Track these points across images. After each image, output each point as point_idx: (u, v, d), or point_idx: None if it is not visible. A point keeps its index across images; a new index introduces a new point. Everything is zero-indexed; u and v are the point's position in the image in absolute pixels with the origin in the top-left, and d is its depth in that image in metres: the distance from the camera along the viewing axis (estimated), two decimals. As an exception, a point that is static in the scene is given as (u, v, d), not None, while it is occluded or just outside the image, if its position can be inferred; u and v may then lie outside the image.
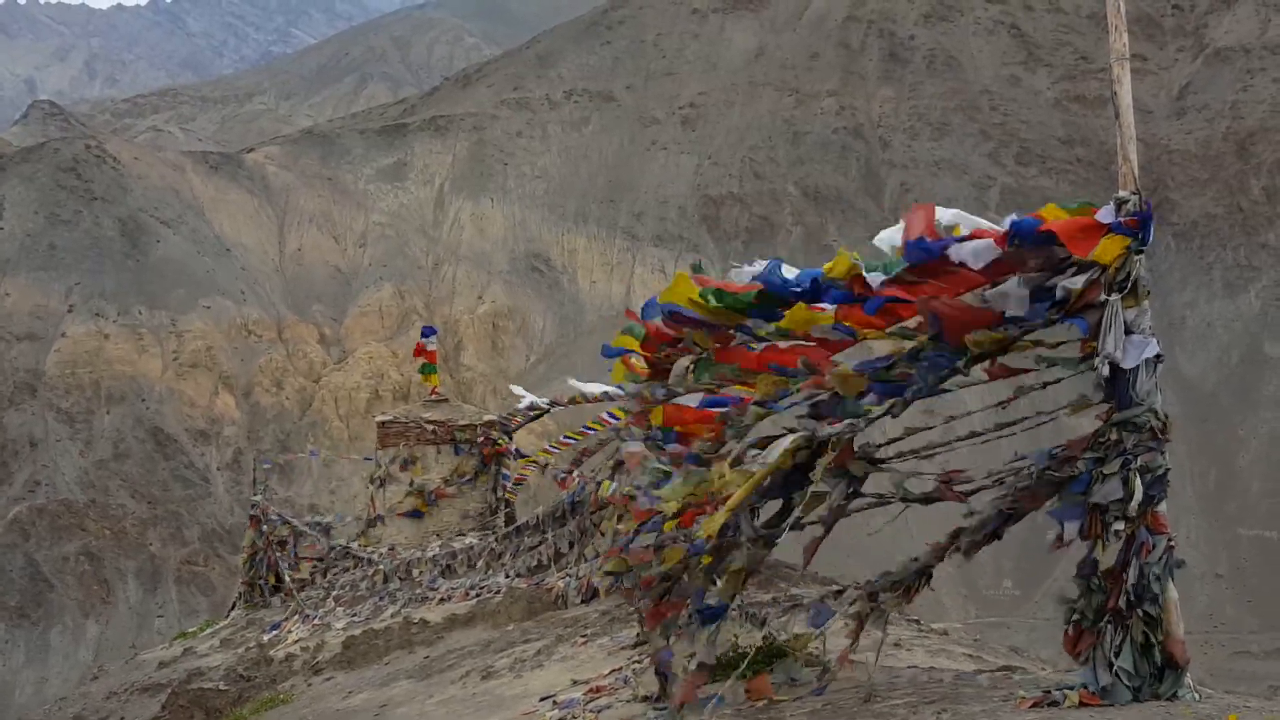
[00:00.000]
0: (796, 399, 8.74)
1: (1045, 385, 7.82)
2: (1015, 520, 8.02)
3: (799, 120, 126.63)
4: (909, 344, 8.10)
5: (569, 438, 27.49)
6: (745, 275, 8.89)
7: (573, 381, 22.56)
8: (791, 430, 8.63)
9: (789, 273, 8.63)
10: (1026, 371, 7.80)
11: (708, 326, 9.34)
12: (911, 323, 8.13)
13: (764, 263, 8.82)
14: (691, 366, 9.97)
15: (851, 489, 8.48)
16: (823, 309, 8.58)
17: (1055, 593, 7.76)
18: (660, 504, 9.51)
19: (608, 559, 10.59)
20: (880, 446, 8.50)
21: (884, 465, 8.40)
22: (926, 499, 8.30)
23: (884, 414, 8.19)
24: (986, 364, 7.84)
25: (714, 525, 8.79)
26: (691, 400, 10.03)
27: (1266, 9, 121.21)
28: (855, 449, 8.45)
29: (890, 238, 8.09)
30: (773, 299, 8.70)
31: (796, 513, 8.63)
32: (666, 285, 9.57)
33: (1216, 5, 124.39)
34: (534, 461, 31.59)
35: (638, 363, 10.29)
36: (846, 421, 8.27)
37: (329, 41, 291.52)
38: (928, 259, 7.60)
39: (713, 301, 9.08)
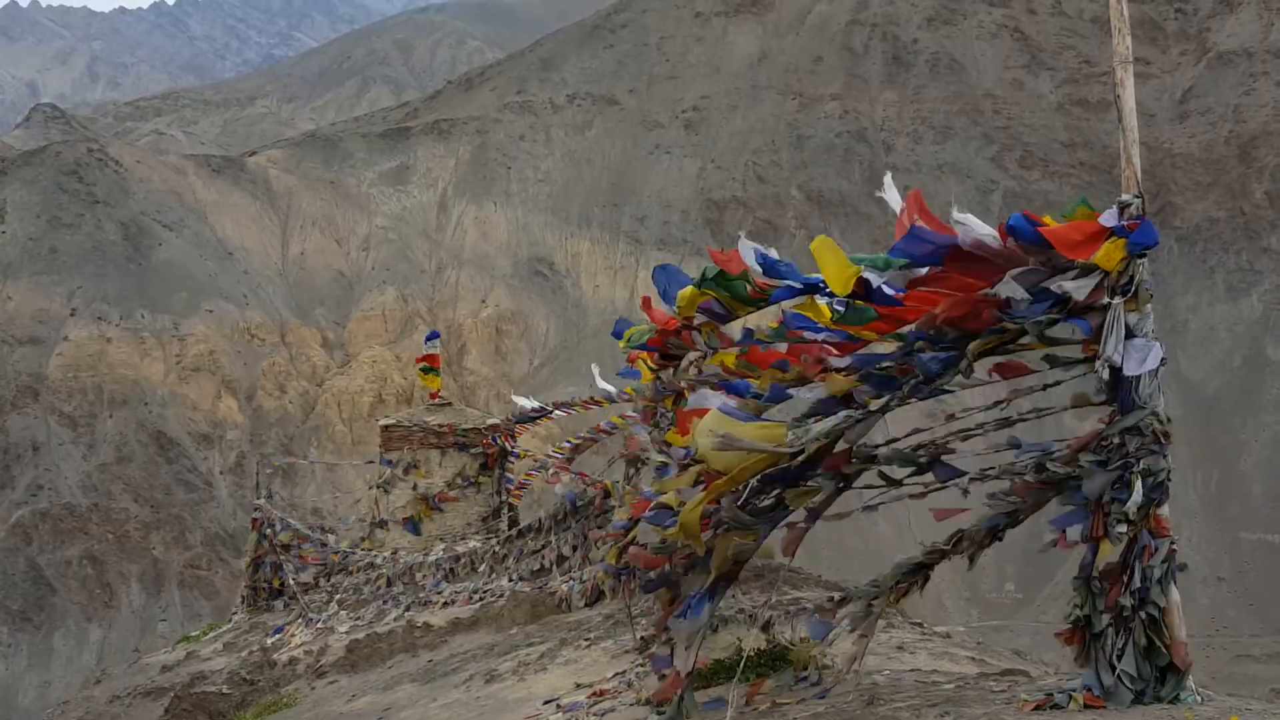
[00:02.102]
0: (798, 392, 8.76)
1: (1046, 387, 7.84)
2: (1015, 523, 8.04)
3: (802, 124, 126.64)
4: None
5: (570, 441, 27.54)
6: (748, 251, 8.93)
7: (598, 378, 22.65)
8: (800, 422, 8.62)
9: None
10: (1030, 372, 7.82)
11: (715, 315, 9.43)
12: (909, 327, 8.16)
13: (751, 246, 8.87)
14: (701, 358, 10.02)
15: (841, 485, 8.50)
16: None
17: (1057, 596, 7.75)
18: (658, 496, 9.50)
19: (609, 551, 10.55)
20: (879, 446, 8.50)
21: (877, 461, 8.41)
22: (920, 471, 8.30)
23: (880, 410, 8.18)
24: (991, 365, 7.87)
25: (693, 515, 8.77)
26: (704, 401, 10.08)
27: (1269, 13, 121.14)
28: (853, 450, 8.45)
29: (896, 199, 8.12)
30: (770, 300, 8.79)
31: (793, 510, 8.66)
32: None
33: (1219, 9, 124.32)
34: (534, 460, 31.62)
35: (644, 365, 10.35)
36: (843, 414, 8.24)
37: (331, 45, 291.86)
38: (932, 253, 7.62)
39: (720, 290, 9.19)
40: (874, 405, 8.20)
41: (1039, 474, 7.62)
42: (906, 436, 8.51)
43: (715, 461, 8.69)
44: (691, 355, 10.47)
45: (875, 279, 7.86)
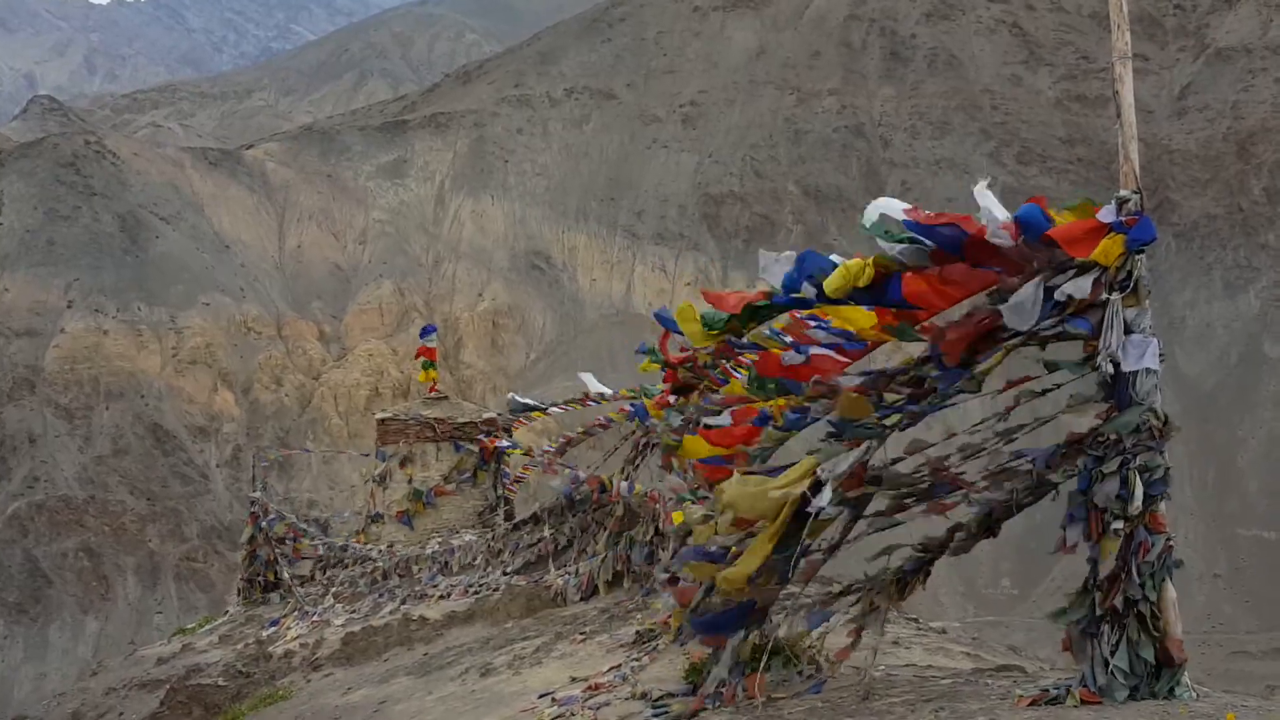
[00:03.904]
0: (816, 415, 8.82)
1: (1045, 392, 7.83)
2: (1009, 515, 8.05)
3: (800, 119, 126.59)
4: (918, 350, 8.21)
5: (564, 436, 27.56)
6: (775, 266, 8.97)
7: (583, 376, 22.67)
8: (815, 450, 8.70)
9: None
10: (1032, 379, 7.84)
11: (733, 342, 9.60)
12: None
13: (787, 255, 8.89)
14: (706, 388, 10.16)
15: (854, 514, 8.53)
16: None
17: (1053, 592, 7.78)
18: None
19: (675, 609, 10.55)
20: (885, 467, 8.53)
21: (882, 485, 8.43)
22: (922, 499, 8.31)
23: (894, 427, 8.24)
24: (1002, 385, 7.96)
25: (747, 568, 8.86)
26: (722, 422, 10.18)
27: (1268, 9, 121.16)
28: (866, 472, 8.48)
29: (885, 206, 8.18)
30: (777, 307, 8.87)
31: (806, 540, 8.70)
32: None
33: (1218, 5, 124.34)
34: (527, 454, 31.63)
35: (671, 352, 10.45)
36: (865, 445, 8.35)
37: (329, 38, 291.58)
38: (953, 241, 7.69)
39: (713, 328, 9.28)
40: (889, 422, 8.28)
41: (1036, 481, 7.64)
42: (910, 456, 8.51)
43: (745, 510, 8.80)
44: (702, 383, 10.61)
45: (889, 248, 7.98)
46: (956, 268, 7.81)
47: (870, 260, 8.04)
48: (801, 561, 8.80)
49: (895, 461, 8.55)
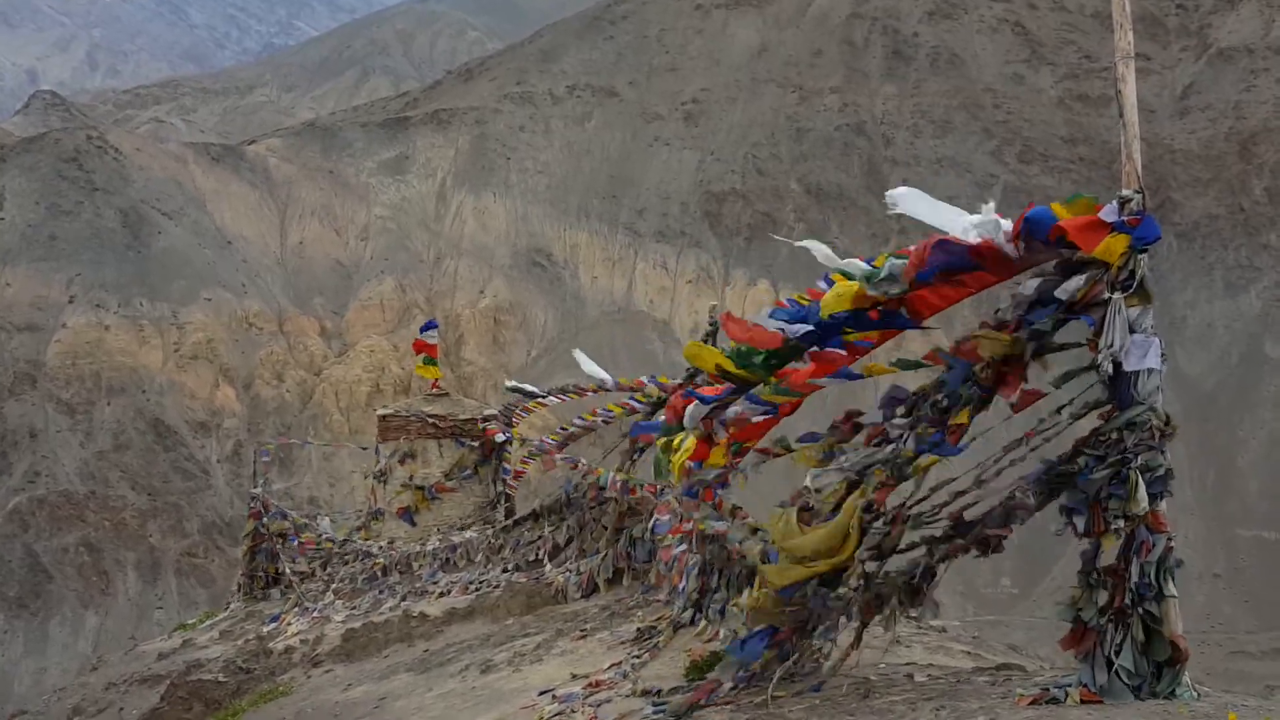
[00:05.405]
0: (848, 457, 8.85)
1: (1060, 409, 7.81)
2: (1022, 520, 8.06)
3: (802, 117, 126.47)
4: (927, 370, 8.27)
5: (563, 429, 27.56)
6: (771, 324, 9.06)
7: (577, 354, 22.64)
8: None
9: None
10: (1043, 395, 7.87)
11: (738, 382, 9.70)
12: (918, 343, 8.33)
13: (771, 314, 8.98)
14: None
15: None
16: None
17: (1054, 591, 7.76)
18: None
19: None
20: (910, 505, 8.52)
21: (908, 521, 8.44)
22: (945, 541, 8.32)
23: (908, 437, 8.28)
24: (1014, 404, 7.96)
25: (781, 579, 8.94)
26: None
27: (1270, 9, 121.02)
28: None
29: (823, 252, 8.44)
30: (788, 352, 8.96)
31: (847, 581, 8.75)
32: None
33: (1220, 5, 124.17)
34: (527, 445, 31.67)
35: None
36: (865, 451, 8.42)
37: (331, 34, 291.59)
38: (961, 257, 7.72)
39: (734, 365, 9.37)
40: (893, 434, 8.31)
41: (1044, 482, 7.64)
42: (932, 494, 8.49)
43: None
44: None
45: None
46: (969, 275, 7.84)
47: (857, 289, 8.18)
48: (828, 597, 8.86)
49: (920, 500, 8.53)
